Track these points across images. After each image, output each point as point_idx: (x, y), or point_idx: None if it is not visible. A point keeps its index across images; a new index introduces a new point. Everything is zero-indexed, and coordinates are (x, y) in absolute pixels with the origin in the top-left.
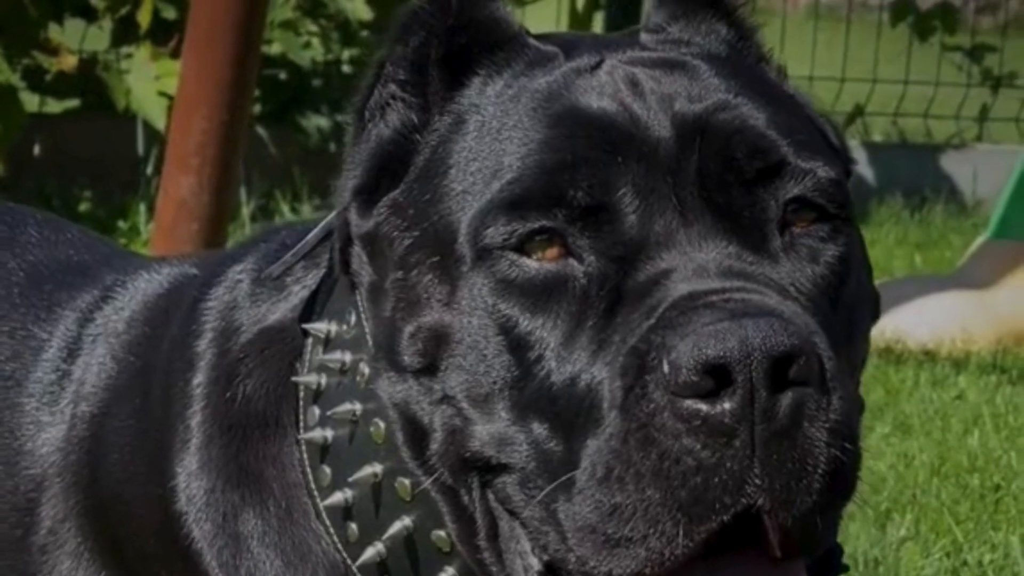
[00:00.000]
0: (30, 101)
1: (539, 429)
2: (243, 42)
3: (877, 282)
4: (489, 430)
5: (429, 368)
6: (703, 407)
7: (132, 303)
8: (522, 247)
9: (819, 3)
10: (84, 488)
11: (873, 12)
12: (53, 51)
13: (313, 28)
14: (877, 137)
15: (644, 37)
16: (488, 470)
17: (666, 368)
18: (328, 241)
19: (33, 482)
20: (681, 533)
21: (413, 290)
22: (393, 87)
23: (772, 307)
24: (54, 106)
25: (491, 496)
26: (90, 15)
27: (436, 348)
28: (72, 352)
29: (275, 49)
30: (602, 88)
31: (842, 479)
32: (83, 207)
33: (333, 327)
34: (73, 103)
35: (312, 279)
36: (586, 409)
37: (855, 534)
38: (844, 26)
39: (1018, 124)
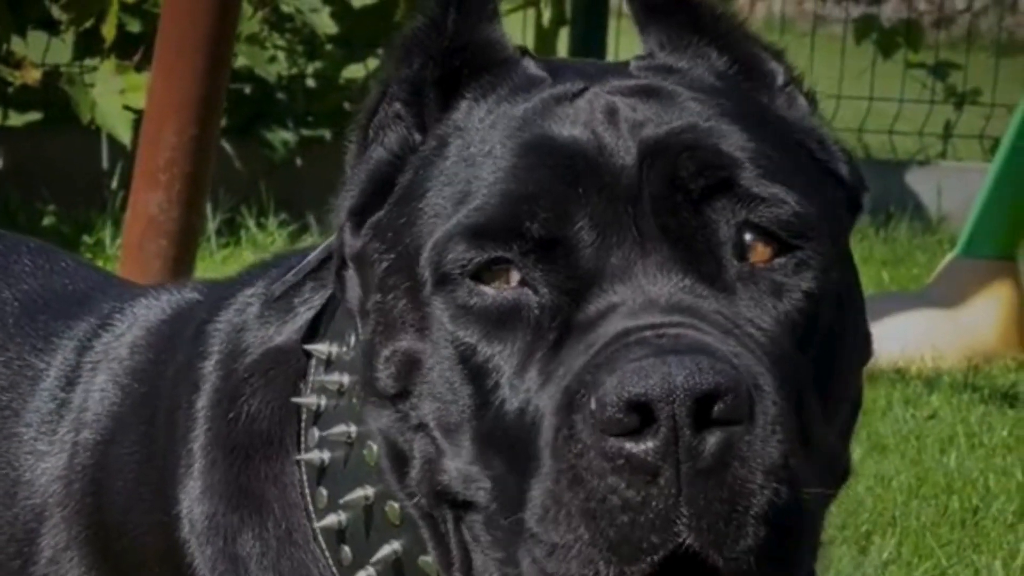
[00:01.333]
0: None
1: (499, 466)
2: (213, 57)
3: None
4: (456, 465)
5: (403, 394)
6: (627, 445)
7: (133, 329)
8: (479, 275)
9: (781, 16)
10: (87, 516)
11: (834, 25)
12: (16, 64)
13: (279, 42)
14: None
15: (633, 64)
16: (458, 505)
17: (593, 405)
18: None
19: (32, 512)
20: (613, 573)
21: (389, 314)
22: (397, 106)
23: (705, 344)
24: (16, 119)
25: (464, 530)
26: (53, 28)
27: (408, 374)
28: (71, 380)
29: (240, 63)
30: (577, 116)
31: (781, 522)
32: (47, 221)
33: (334, 348)
34: (36, 116)
35: (319, 300)
36: (532, 445)
37: (837, 557)
38: (808, 41)
39: (982, 141)
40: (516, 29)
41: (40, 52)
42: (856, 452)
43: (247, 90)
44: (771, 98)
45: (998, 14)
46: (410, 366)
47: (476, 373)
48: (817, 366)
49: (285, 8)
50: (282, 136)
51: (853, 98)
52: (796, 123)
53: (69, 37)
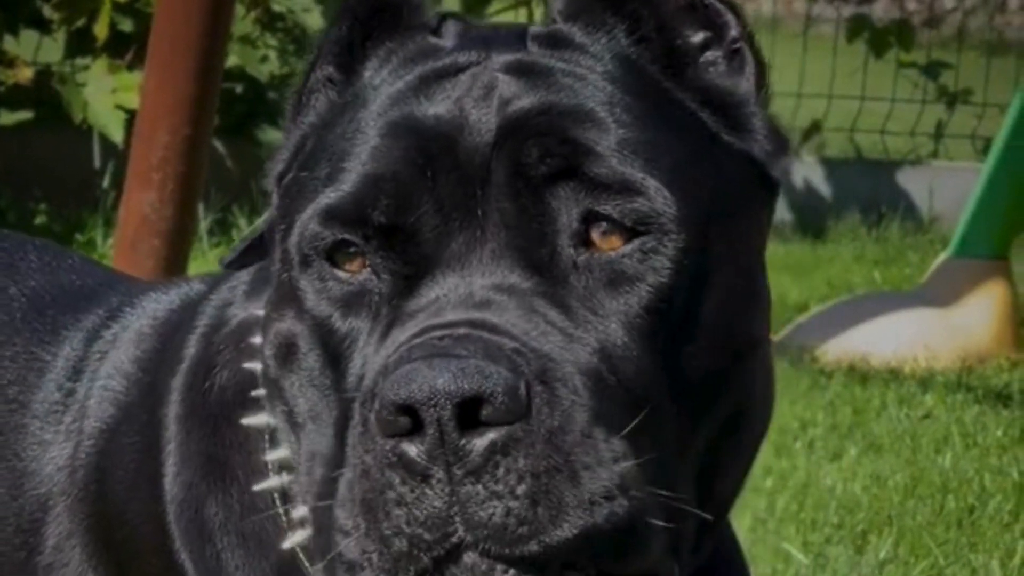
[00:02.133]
0: None
1: (337, 452)
2: (206, 56)
3: (839, 299)
4: (308, 448)
5: (280, 381)
6: (403, 446)
7: (141, 320)
8: (333, 258)
9: (772, 17)
10: (90, 505)
11: (824, 25)
12: (8, 63)
13: (271, 42)
14: (834, 153)
15: (531, 33)
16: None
17: (376, 406)
18: None
19: (38, 502)
20: (393, 566)
21: (280, 288)
22: (329, 70)
23: (487, 344)
24: (7, 118)
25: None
26: (45, 27)
27: (287, 352)
28: (78, 370)
29: (232, 62)
30: (451, 92)
31: (578, 520)
32: (38, 220)
33: None
34: (27, 115)
35: None
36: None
37: (834, 557)
38: (801, 41)
39: (973, 141)
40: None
41: (32, 51)
42: (851, 452)
43: (239, 90)
44: (683, 67)
45: (988, 13)
46: (287, 350)
47: (332, 358)
48: (672, 359)
49: (277, 8)
50: (274, 135)
51: (845, 97)
52: (712, 91)
53: (61, 36)
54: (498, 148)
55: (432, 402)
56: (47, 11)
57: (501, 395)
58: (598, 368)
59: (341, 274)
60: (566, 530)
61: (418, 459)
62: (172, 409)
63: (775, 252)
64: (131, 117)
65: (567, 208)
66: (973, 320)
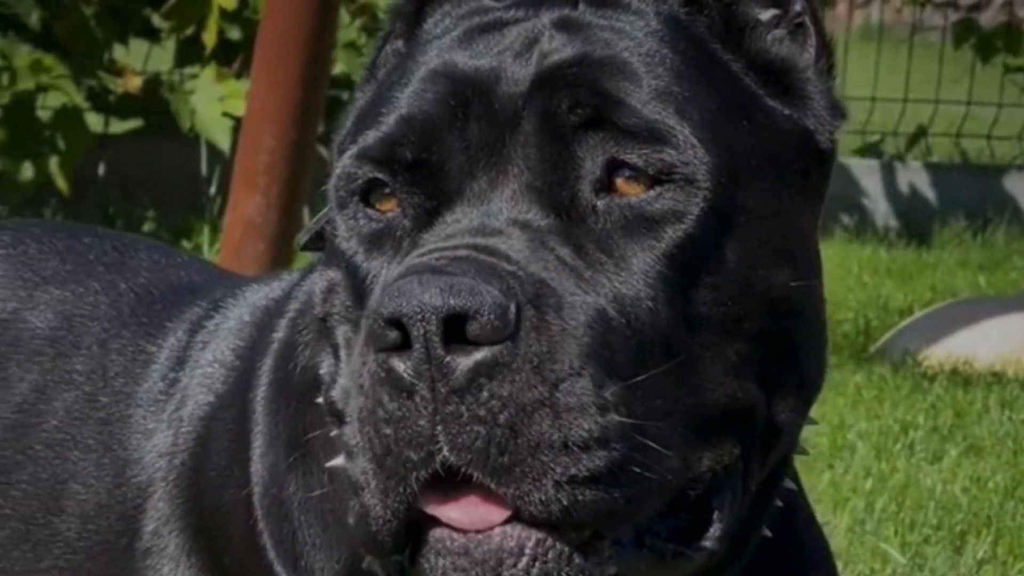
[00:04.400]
0: (95, 121)
1: None
2: (312, 61)
3: (943, 304)
4: (342, 383)
5: (324, 310)
6: (390, 361)
7: (240, 310)
8: (367, 198)
9: (879, 24)
10: (187, 490)
11: (931, 33)
12: (118, 72)
13: None
14: (940, 158)
15: None
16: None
17: (370, 320)
18: None
19: (139, 489)
20: (388, 482)
21: (330, 239)
22: (399, 44)
23: (482, 264)
24: (118, 126)
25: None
26: (154, 36)
27: (329, 293)
28: (181, 360)
29: (339, 69)
30: (494, 46)
31: (563, 447)
32: (146, 227)
33: None
34: (136, 123)
35: None
36: None
37: (932, 556)
38: (906, 47)
39: None
40: None
41: (141, 60)
42: (952, 454)
43: (345, 96)
44: (739, 35)
45: None
46: (329, 292)
47: (361, 292)
48: (689, 312)
49: (383, 15)
50: None
51: (952, 102)
52: (765, 57)
53: (171, 45)
54: (530, 97)
55: (419, 316)
56: (157, 20)
57: (488, 312)
58: (604, 308)
59: (372, 212)
60: (543, 469)
61: (404, 375)
62: (260, 392)
63: (880, 257)
64: (238, 124)
65: (592, 156)
66: None
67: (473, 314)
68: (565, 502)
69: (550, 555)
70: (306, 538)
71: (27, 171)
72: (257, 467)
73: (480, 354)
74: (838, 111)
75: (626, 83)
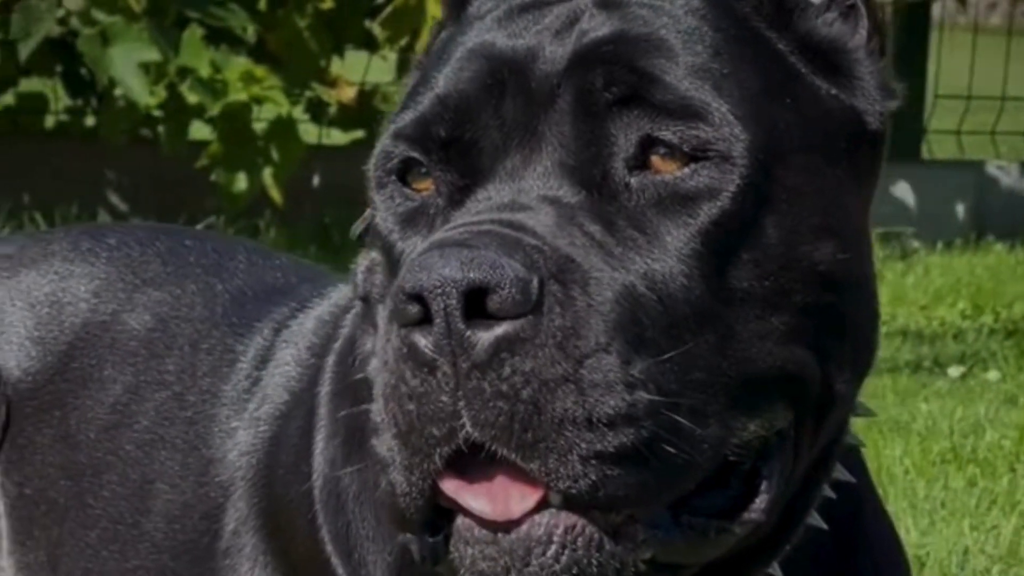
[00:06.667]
0: (310, 133)
1: None
2: None
3: None
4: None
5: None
6: (412, 336)
7: (321, 308)
8: (404, 177)
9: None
10: (262, 488)
11: None
12: (331, 83)
13: None
14: None
15: None
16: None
17: (392, 295)
18: None
19: (221, 488)
20: (412, 459)
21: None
22: (451, 29)
23: (505, 239)
24: (339, 138)
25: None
26: (372, 46)
27: (370, 273)
28: (264, 359)
29: None
30: (534, 25)
31: (587, 423)
32: None
33: None
34: (358, 135)
35: None
36: None
37: None
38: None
39: None
40: None
41: (359, 72)
42: None
43: None
44: (788, 15)
45: None
46: (371, 272)
47: (395, 272)
48: (724, 291)
49: None
50: None
51: None
52: (814, 37)
53: (390, 56)
54: (566, 75)
55: (439, 290)
56: (376, 30)
57: (509, 286)
58: (633, 285)
59: (408, 191)
60: (568, 445)
61: (425, 350)
62: (325, 387)
63: None
64: None
65: (627, 133)
66: None
67: (494, 287)
68: (593, 477)
69: (579, 541)
70: (360, 530)
71: (241, 182)
72: (318, 461)
73: (502, 328)
74: (889, 92)
75: (662, 60)
